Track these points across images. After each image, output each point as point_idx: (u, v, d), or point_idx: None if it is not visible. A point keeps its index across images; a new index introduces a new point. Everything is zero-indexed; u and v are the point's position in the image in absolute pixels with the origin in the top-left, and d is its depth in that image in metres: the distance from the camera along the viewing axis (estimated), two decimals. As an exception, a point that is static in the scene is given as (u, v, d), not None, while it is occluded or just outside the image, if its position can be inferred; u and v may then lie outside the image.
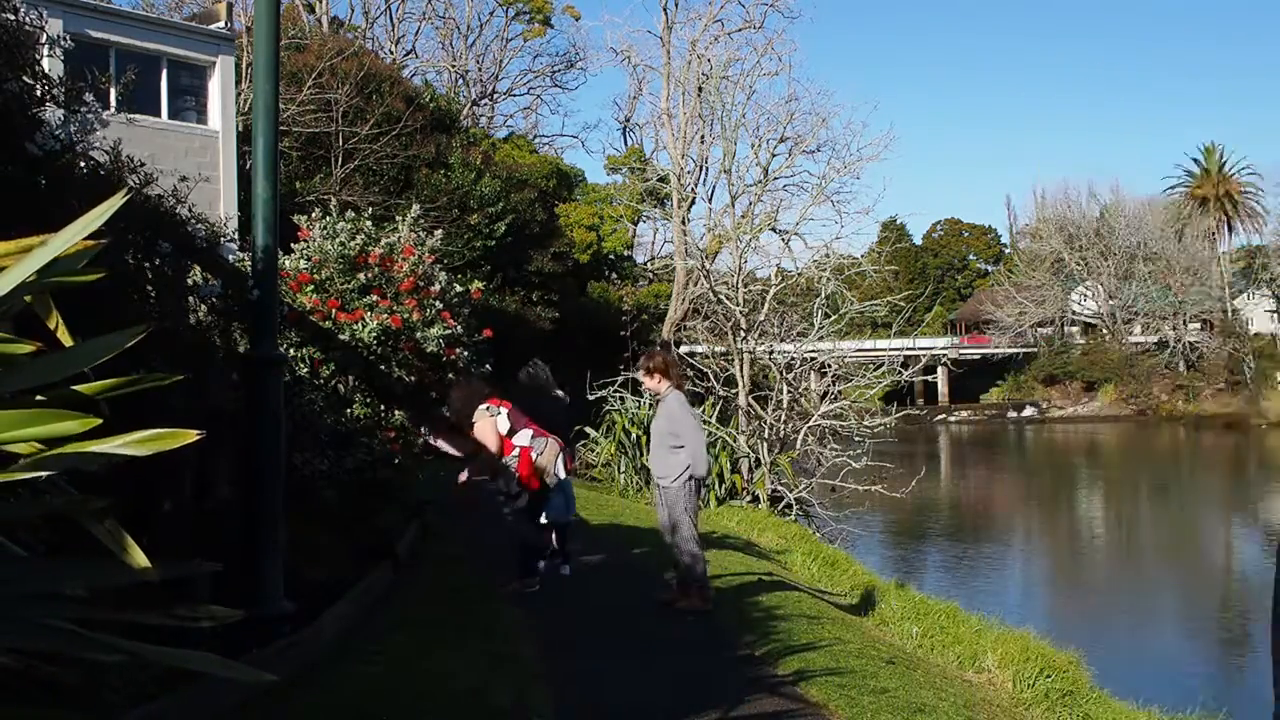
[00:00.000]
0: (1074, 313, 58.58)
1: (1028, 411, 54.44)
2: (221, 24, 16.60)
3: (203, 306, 5.67)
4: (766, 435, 16.62)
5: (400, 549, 7.60)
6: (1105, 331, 56.78)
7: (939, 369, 56.40)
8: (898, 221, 48.19)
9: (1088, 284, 57.71)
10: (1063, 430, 48.95)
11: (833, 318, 18.08)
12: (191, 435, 1.68)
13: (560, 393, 8.07)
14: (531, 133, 38.86)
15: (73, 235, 1.67)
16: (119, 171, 4.98)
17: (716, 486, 15.41)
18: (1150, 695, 7.72)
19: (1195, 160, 61.69)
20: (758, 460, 16.35)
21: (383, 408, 8.26)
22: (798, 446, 16.78)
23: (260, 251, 5.03)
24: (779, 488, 16.13)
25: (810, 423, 16.92)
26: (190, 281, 5.49)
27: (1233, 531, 22.01)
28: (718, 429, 16.04)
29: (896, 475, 17.11)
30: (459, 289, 9.68)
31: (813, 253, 20.52)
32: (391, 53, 32.46)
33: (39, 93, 4.59)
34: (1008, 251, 69.73)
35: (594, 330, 23.85)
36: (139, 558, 1.72)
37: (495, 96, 38.50)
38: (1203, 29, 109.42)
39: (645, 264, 35.15)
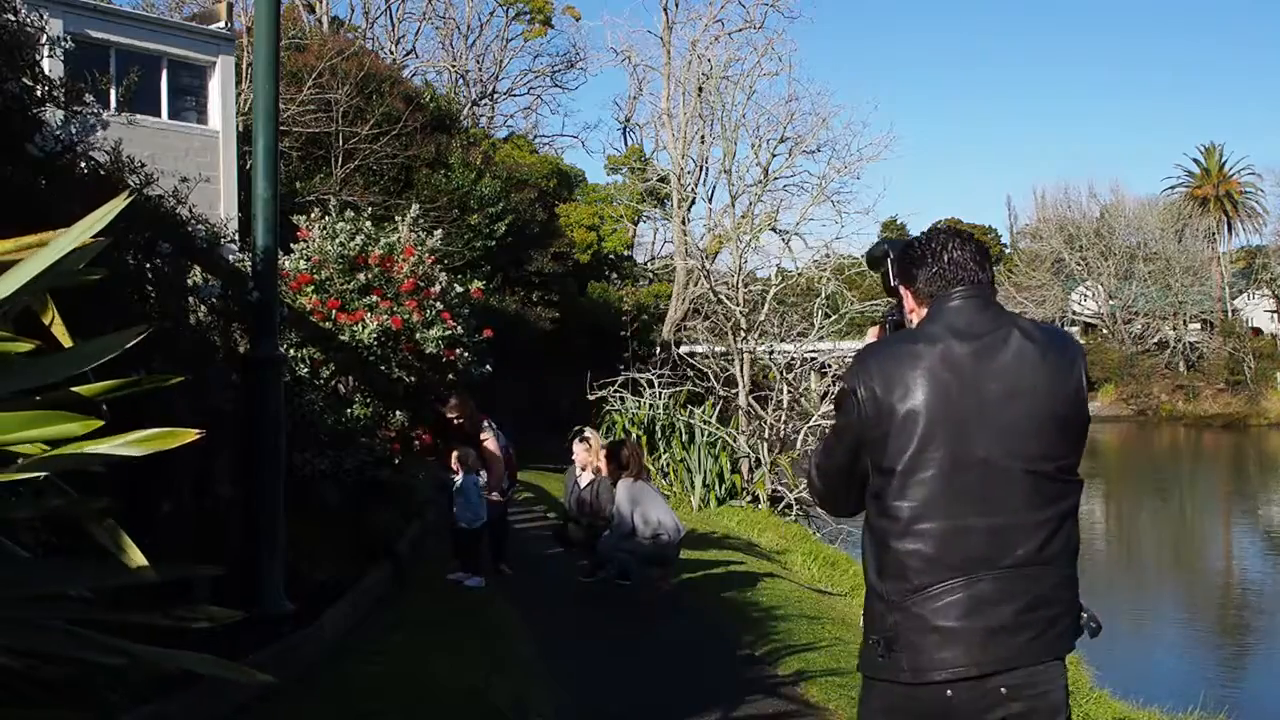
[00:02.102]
0: (1074, 313, 58.56)
1: (1028, 411, 54.38)
2: (221, 24, 16.60)
3: (203, 306, 5.67)
4: (767, 435, 16.62)
5: (400, 549, 7.60)
6: (1105, 331, 56.78)
7: (939, 369, 56.26)
8: (898, 221, 48.21)
9: (1088, 284, 57.69)
10: (1063, 430, 48.88)
11: (833, 318, 18.09)
12: (190, 434, 1.68)
13: None
14: (531, 133, 38.83)
15: (76, 236, 1.67)
16: (119, 172, 4.98)
17: (717, 487, 15.43)
18: (1150, 695, 7.72)
19: (1195, 160, 61.67)
20: (758, 460, 16.36)
21: (383, 409, 8.26)
22: (798, 446, 16.77)
23: (260, 252, 5.04)
24: (779, 488, 16.13)
25: (811, 423, 16.91)
26: (190, 281, 5.49)
27: (1233, 531, 22.01)
28: (718, 429, 16.05)
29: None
30: (459, 289, 9.67)
31: (813, 253, 20.58)
32: (391, 53, 32.44)
33: (39, 93, 4.59)
34: (1008, 251, 69.71)
35: (594, 330, 23.84)
36: (138, 558, 1.72)
37: (495, 96, 38.48)
38: (1203, 29, 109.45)
39: (645, 264, 35.15)
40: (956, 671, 1.98)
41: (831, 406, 17.10)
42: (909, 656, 2.01)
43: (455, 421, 7.73)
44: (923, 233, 2.34)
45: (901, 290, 2.32)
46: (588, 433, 8.02)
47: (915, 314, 2.25)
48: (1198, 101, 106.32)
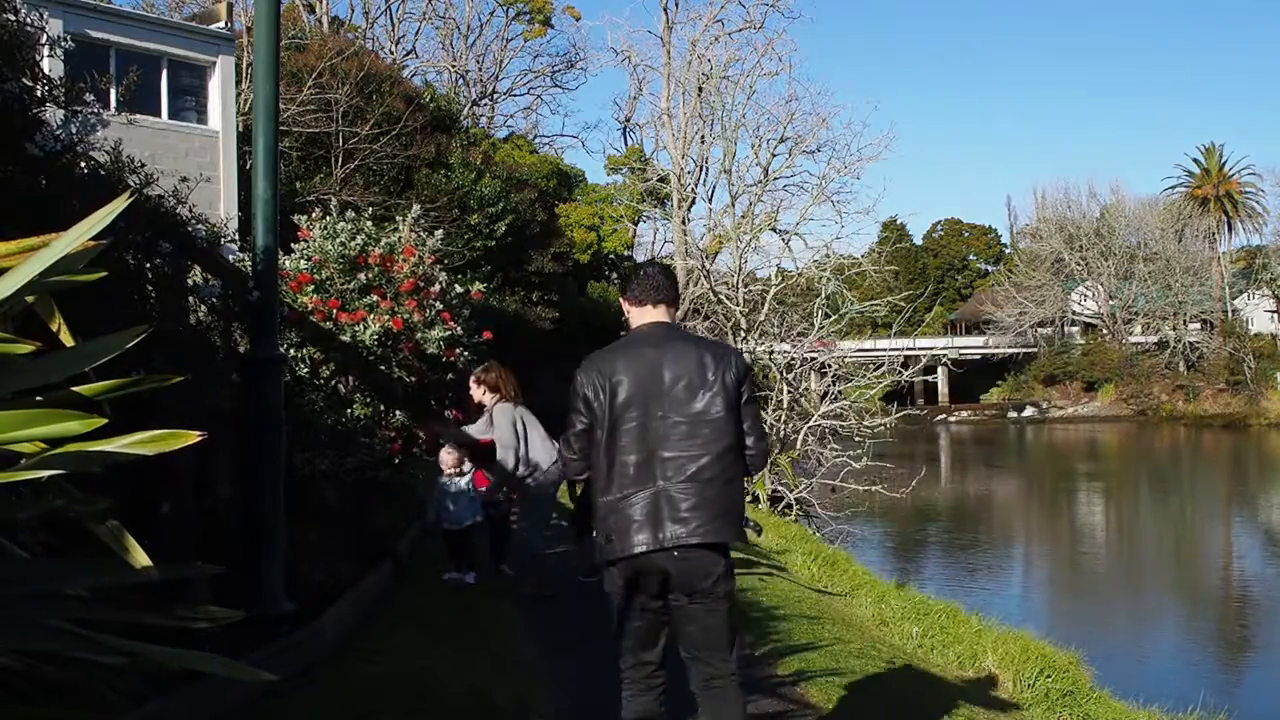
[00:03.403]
0: (1074, 313, 58.58)
1: (1028, 411, 54.44)
2: (221, 24, 16.59)
3: (203, 306, 5.67)
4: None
5: (400, 549, 7.60)
6: (1105, 331, 56.78)
7: (939, 369, 56.44)
8: (898, 221, 48.30)
9: (1088, 284, 57.71)
10: (1063, 430, 48.95)
11: (833, 318, 18.10)
12: (193, 436, 1.69)
13: None
14: (531, 133, 38.87)
15: (76, 237, 1.67)
16: (119, 172, 4.98)
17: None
18: (1150, 695, 7.72)
19: (1195, 160, 61.68)
20: (758, 460, 16.33)
21: (383, 409, 8.26)
22: (798, 447, 16.78)
23: (260, 252, 5.03)
24: (779, 488, 16.14)
25: (810, 423, 16.93)
26: (190, 281, 5.49)
27: (1233, 531, 22.01)
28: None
29: (897, 475, 17.11)
30: (459, 290, 9.67)
31: (813, 253, 20.58)
32: (391, 53, 32.44)
33: (39, 93, 4.59)
34: (1008, 251, 69.73)
35: (594, 330, 23.82)
36: (141, 558, 1.73)
37: (495, 96, 38.51)
38: (1203, 29, 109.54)
39: (645, 264, 35.11)
40: (648, 543, 3.13)
41: (830, 407, 17.13)
42: (620, 540, 3.17)
43: (483, 381, 7.47)
44: (638, 266, 3.62)
45: (623, 301, 3.52)
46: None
47: (630, 314, 3.46)
48: (1198, 101, 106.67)
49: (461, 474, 7.24)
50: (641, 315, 3.41)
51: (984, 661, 7.41)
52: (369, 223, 9.15)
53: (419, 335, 8.70)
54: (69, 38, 6.04)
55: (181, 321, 5.10)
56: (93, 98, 5.09)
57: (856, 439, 17.07)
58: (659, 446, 3.17)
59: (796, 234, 21.63)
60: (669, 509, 3.13)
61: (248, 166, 12.32)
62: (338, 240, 8.76)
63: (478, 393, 7.09)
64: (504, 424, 6.88)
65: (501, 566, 7.84)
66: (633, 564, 3.16)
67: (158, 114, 15.46)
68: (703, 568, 3.19)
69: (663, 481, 3.15)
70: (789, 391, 17.30)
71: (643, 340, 3.32)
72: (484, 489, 7.48)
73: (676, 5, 27.29)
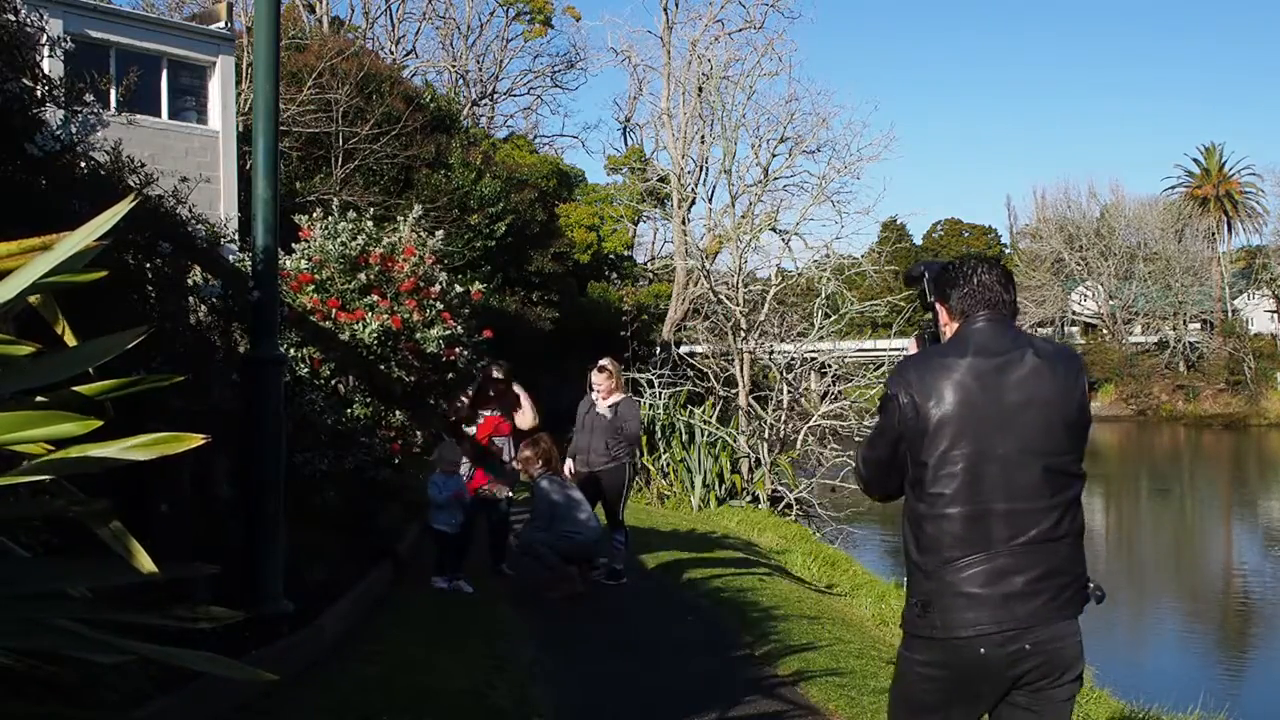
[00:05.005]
0: (1074, 313, 58.59)
1: (1028, 411, 54.36)
2: (221, 24, 16.60)
3: (203, 306, 5.67)
4: (766, 435, 16.63)
5: (400, 549, 7.60)
6: (1105, 331, 56.77)
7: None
8: (898, 221, 48.19)
9: (1088, 284, 57.71)
10: (1063, 430, 48.86)
11: (833, 318, 18.09)
12: (195, 439, 1.69)
13: None
14: (531, 133, 38.87)
15: (82, 239, 1.68)
16: (119, 172, 4.98)
17: (717, 487, 15.42)
18: (1150, 695, 7.72)
19: (1195, 160, 61.68)
20: (758, 460, 16.36)
21: (383, 409, 8.25)
22: (798, 447, 16.78)
23: (260, 252, 5.03)
24: (779, 488, 16.14)
25: (810, 423, 16.93)
26: (190, 281, 5.49)
27: (1233, 532, 22.01)
28: (718, 429, 16.05)
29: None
30: (459, 289, 9.66)
31: (813, 253, 20.59)
32: (391, 53, 32.45)
33: (39, 93, 4.60)
34: (1008, 251, 69.68)
35: (594, 330, 23.82)
36: (145, 562, 1.73)
37: (495, 96, 38.51)
38: (1203, 29, 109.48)
39: (645, 264, 35.15)
40: (981, 629, 2.35)
41: (830, 407, 17.12)
42: (941, 616, 2.39)
43: (498, 384, 7.74)
44: (958, 258, 2.69)
45: (937, 306, 2.67)
46: (605, 361, 7.91)
47: (948, 327, 2.61)
48: (1198, 101, 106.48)
49: (458, 472, 7.21)
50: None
51: (984, 661, 7.40)
52: (369, 223, 9.15)
53: (419, 335, 8.70)
54: (69, 38, 6.05)
55: (181, 321, 5.10)
56: (93, 98, 5.09)
57: (857, 439, 17.05)
58: (998, 496, 2.37)
59: (796, 234, 21.66)
60: (1012, 581, 2.36)
61: (248, 166, 12.31)
62: (339, 240, 8.75)
63: (533, 468, 7.18)
64: (542, 504, 7.07)
65: (501, 566, 7.85)
66: (957, 650, 2.37)
67: (158, 114, 15.46)
68: (1056, 651, 2.39)
69: (1002, 543, 2.37)
70: (789, 391, 17.31)
71: (975, 345, 2.47)
72: (484, 487, 7.47)
73: (676, 5, 27.30)
